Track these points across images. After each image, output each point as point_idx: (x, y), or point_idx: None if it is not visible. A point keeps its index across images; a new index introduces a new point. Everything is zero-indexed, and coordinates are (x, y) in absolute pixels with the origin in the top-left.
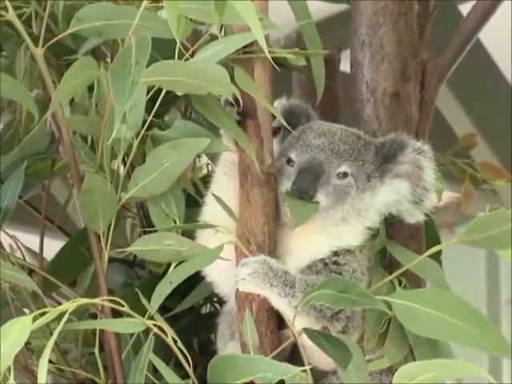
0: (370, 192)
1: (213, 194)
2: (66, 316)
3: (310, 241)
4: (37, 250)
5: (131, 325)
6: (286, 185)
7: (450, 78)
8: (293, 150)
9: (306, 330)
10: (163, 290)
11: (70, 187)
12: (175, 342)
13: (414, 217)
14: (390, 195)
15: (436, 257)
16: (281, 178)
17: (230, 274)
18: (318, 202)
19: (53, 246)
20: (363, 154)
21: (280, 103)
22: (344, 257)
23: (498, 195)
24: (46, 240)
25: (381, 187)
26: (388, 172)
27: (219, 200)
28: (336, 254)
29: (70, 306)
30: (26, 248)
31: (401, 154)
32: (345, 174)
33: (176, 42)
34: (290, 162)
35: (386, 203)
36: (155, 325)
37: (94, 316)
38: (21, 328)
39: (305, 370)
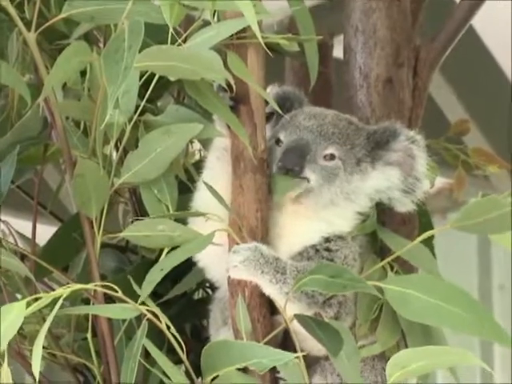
0: (359, 175)
1: (204, 182)
2: (60, 302)
3: (301, 226)
4: (29, 235)
5: (124, 310)
6: (274, 165)
7: (442, 64)
8: (282, 131)
9: (298, 316)
10: (154, 276)
11: (63, 172)
12: (168, 327)
13: (405, 206)
14: (380, 181)
15: (428, 242)
16: (270, 159)
17: (222, 260)
18: (306, 178)
19: (45, 232)
20: (353, 138)
21: (273, 90)
22: (335, 243)
23: (489, 181)
24: (38, 225)
25: (371, 172)
26: (379, 158)
27: (210, 187)
28: (327, 240)
29: (63, 291)
30: (19, 233)
31: (393, 141)
32: (332, 156)
33: (169, 28)
34: (278, 142)
35: (376, 189)
36: (148, 310)
37: (87, 301)
38: (15, 314)
39: (297, 356)
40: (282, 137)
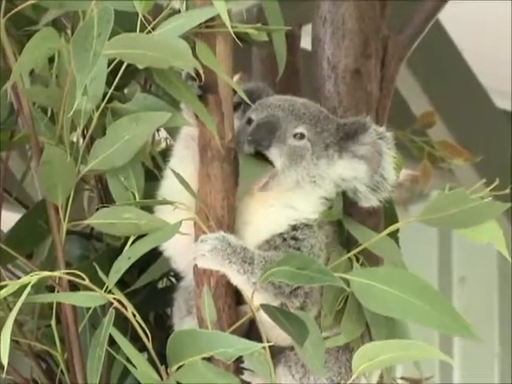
0: (326, 160)
1: (171, 170)
2: (28, 289)
3: (268, 213)
4: None
5: (90, 298)
6: (243, 144)
7: (408, 57)
8: (253, 111)
9: (264, 307)
10: (121, 264)
11: (28, 159)
12: (134, 315)
13: (369, 201)
14: (347, 170)
15: (393, 234)
16: (240, 138)
17: (188, 249)
18: (272, 164)
19: (9, 218)
20: (323, 123)
21: (244, 85)
22: (302, 231)
23: (453, 174)
24: (3, 212)
25: (338, 160)
26: (347, 149)
27: (177, 175)
28: (294, 228)
29: (30, 279)
30: None
31: (362, 134)
32: (301, 136)
33: (138, 15)
34: (250, 121)
35: (342, 177)
36: (115, 299)
37: (51, 288)
38: None
39: (264, 347)
40: (253, 116)
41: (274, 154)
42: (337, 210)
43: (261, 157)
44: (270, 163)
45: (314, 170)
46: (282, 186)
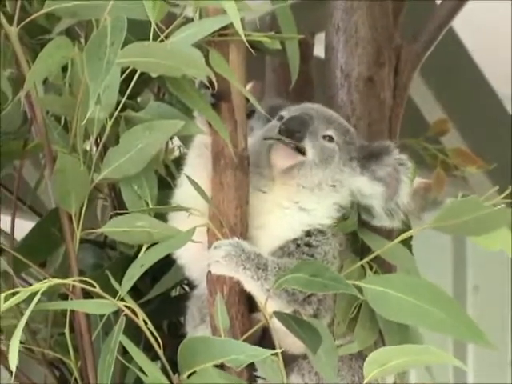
0: (350, 170)
1: (186, 176)
2: (38, 296)
3: (281, 214)
4: (8, 230)
5: (102, 306)
6: (274, 132)
7: (422, 64)
8: (285, 110)
9: (277, 314)
10: (134, 272)
11: (42, 168)
12: (145, 323)
13: (381, 221)
14: (366, 187)
15: (406, 242)
16: (269, 131)
17: (201, 257)
18: (304, 152)
19: (23, 226)
20: (350, 136)
21: (272, 100)
22: (316, 238)
23: (467, 182)
24: (16, 220)
25: (359, 176)
26: (369, 168)
27: (192, 181)
28: (308, 234)
29: (41, 286)
30: None
31: (385, 155)
32: (331, 138)
33: (151, 24)
34: (280, 118)
35: (360, 190)
36: (126, 306)
37: (64, 296)
38: None
39: (276, 354)
40: (284, 113)
41: (307, 146)
42: (351, 222)
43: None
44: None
45: (339, 174)
46: (305, 181)
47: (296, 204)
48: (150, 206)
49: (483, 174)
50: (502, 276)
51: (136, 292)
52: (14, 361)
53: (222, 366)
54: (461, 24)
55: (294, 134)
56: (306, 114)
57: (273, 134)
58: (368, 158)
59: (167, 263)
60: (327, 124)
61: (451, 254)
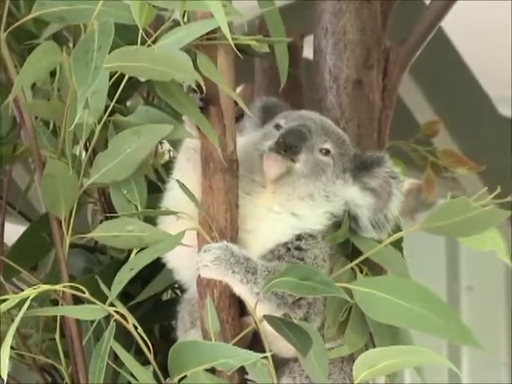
0: (342, 181)
1: (176, 180)
2: (28, 303)
3: (272, 218)
4: None
5: (92, 311)
6: (270, 142)
7: (411, 65)
8: (283, 118)
9: (267, 317)
10: (123, 276)
11: (32, 172)
12: (136, 328)
13: (368, 233)
14: (358, 197)
15: (397, 244)
16: (265, 140)
17: (191, 261)
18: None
19: (14, 232)
20: (345, 147)
21: (258, 101)
22: (306, 242)
23: (458, 183)
24: (6, 225)
25: (352, 186)
26: (360, 179)
27: (182, 185)
28: (299, 238)
29: (31, 292)
30: None
31: (377, 167)
32: (327, 152)
33: (139, 28)
34: (278, 126)
35: (353, 201)
36: (116, 311)
37: (55, 302)
38: None
39: (266, 357)
40: (282, 123)
41: (301, 158)
42: (343, 232)
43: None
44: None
45: (331, 187)
46: (294, 191)
47: (287, 210)
48: (140, 210)
49: (475, 175)
50: (495, 276)
51: (127, 297)
52: (4, 367)
53: (212, 370)
54: (451, 25)
55: (290, 147)
56: (304, 126)
57: (268, 144)
58: (360, 169)
59: (158, 267)
60: (325, 137)
61: (444, 254)
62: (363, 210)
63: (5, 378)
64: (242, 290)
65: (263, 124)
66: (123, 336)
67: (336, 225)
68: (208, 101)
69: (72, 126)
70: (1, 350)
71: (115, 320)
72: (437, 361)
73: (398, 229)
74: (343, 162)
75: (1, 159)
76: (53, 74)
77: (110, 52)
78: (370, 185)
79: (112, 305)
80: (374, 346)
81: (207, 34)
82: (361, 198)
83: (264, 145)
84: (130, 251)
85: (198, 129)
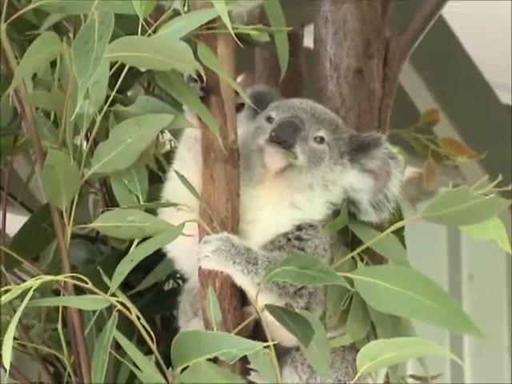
0: (340, 167)
1: (175, 171)
2: (30, 293)
3: (273, 210)
4: None
5: (94, 302)
6: (263, 137)
7: (412, 53)
8: (274, 110)
9: (269, 307)
10: (124, 267)
11: (33, 163)
12: (138, 318)
13: (368, 216)
14: (357, 180)
15: (399, 233)
16: (258, 134)
17: (192, 251)
18: (295, 155)
19: (15, 222)
20: (340, 131)
21: (248, 90)
22: (307, 232)
23: (459, 171)
24: (8, 216)
25: (350, 170)
26: (358, 161)
27: (181, 177)
28: (299, 228)
29: (33, 283)
30: None
31: (374, 148)
32: (321, 140)
33: (139, 18)
34: (269, 119)
35: (352, 186)
36: (119, 301)
37: (57, 292)
38: None
39: (268, 346)
40: (273, 115)
41: (298, 152)
42: (342, 219)
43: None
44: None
45: (329, 174)
46: (295, 183)
47: (287, 201)
48: (141, 200)
49: (475, 163)
50: (496, 264)
51: (128, 287)
52: (7, 358)
53: (215, 360)
54: (451, 13)
55: (284, 141)
56: (296, 116)
57: (263, 138)
58: (358, 151)
59: (160, 257)
60: (318, 124)
61: (446, 242)
62: (362, 194)
63: (7, 368)
64: (243, 280)
65: (255, 115)
66: (125, 326)
67: (336, 214)
68: (208, 90)
69: (73, 117)
70: (4, 340)
71: (117, 310)
72: (440, 352)
73: (399, 217)
74: (339, 146)
75: (2, 150)
76: (53, 64)
77: (110, 42)
78: (369, 166)
79: (113, 295)
80: (376, 336)
81: (207, 23)
82: (360, 180)
83: (258, 140)
84: (131, 241)
85: (199, 118)
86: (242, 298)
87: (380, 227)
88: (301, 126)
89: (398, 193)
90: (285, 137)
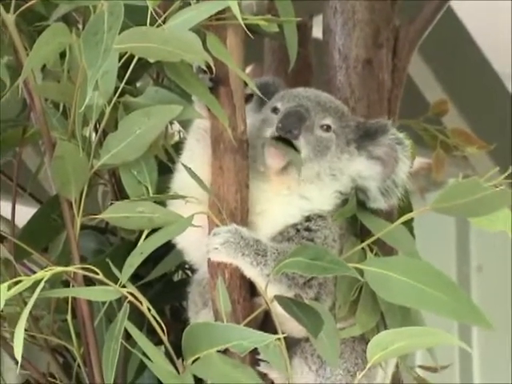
0: (347, 155)
1: (182, 164)
2: (41, 285)
3: (281, 201)
4: (8, 217)
5: (105, 293)
6: (270, 130)
7: (421, 44)
8: (279, 100)
9: (278, 298)
10: (134, 260)
11: (42, 154)
12: (149, 309)
13: (377, 203)
14: (364, 168)
15: (408, 223)
16: (265, 126)
17: (201, 242)
18: (299, 152)
19: (25, 213)
20: (346, 119)
21: (261, 78)
22: (316, 222)
23: (468, 161)
24: (17, 207)
25: (357, 158)
26: (365, 148)
27: (188, 169)
28: (308, 219)
29: (44, 274)
30: None
31: (381, 135)
32: (328, 128)
33: (148, 9)
34: (275, 110)
35: (360, 174)
36: (129, 292)
37: (66, 283)
38: None
39: (278, 338)
40: (279, 105)
41: (302, 142)
42: (350, 207)
43: (286, 143)
44: (295, 150)
45: (337, 163)
46: (301, 176)
47: (295, 192)
48: (150, 191)
49: (484, 154)
50: (505, 255)
51: (138, 278)
52: (19, 350)
53: (225, 352)
54: (460, 3)
55: (290, 131)
56: (301, 106)
57: (269, 131)
58: (364, 138)
59: (169, 248)
60: (324, 112)
61: (455, 233)
62: (371, 181)
63: (19, 358)
64: (252, 272)
65: (260, 106)
66: (134, 317)
67: (345, 203)
68: (217, 81)
69: (82, 108)
70: (15, 332)
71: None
72: (450, 341)
73: (408, 203)
74: (346, 134)
75: (11, 141)
76: (62, 55)
77: (119, 33)
78: (376, 153)
79: (123, 286)
80: (386, 326)
81: (216, 14)
82: (368, 167)
83: (265, 133)
84: (140, 232)
85: (208, 109)
86: (251, 288)
87: (389, 214)
88: (306, 114)
89: (406, 178)
90: (290, 127)
